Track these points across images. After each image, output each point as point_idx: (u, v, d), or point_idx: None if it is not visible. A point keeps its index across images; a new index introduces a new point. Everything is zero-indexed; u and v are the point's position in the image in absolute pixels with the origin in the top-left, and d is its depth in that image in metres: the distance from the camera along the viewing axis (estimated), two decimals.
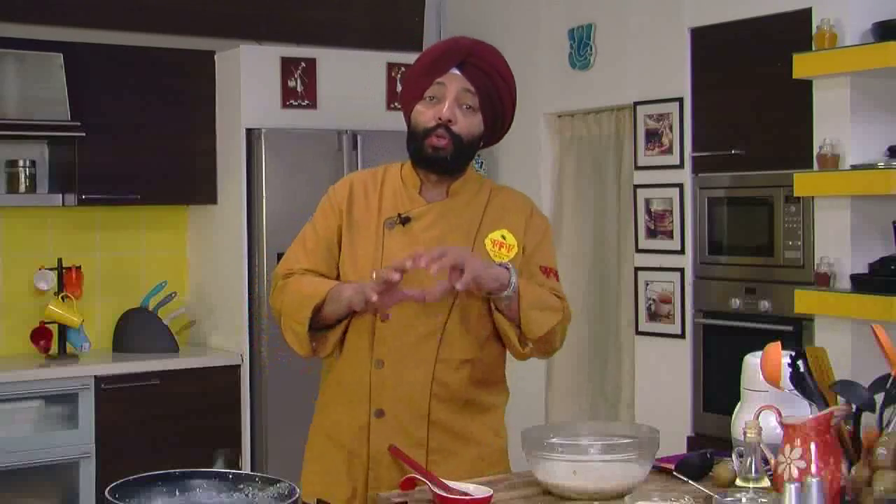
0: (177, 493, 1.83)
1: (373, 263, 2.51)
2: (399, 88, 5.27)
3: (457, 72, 2.52)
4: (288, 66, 5.01)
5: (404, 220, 2.54)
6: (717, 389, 4.36)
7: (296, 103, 5.02)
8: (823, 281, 3.84)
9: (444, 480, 2.22)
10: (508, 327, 2.51)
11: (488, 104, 2.55)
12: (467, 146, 2.54)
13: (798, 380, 2.22)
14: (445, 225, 2.55)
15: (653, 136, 4.63)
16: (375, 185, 2.62)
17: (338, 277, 2.57)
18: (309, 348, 2.52)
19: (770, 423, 2.19)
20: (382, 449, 2.49)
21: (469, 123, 2.53)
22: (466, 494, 2.17)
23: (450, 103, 2.51)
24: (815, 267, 3.88)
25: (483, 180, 2.68)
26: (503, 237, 2.58)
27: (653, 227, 4.64)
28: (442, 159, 2.52)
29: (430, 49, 2.64)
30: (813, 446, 2.04)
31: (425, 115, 2.53)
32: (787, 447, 2.06)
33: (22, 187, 4.87)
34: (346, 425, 2.54)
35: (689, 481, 2.23)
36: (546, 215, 2.83)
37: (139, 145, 4.97)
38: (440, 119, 2.50)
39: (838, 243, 3.85)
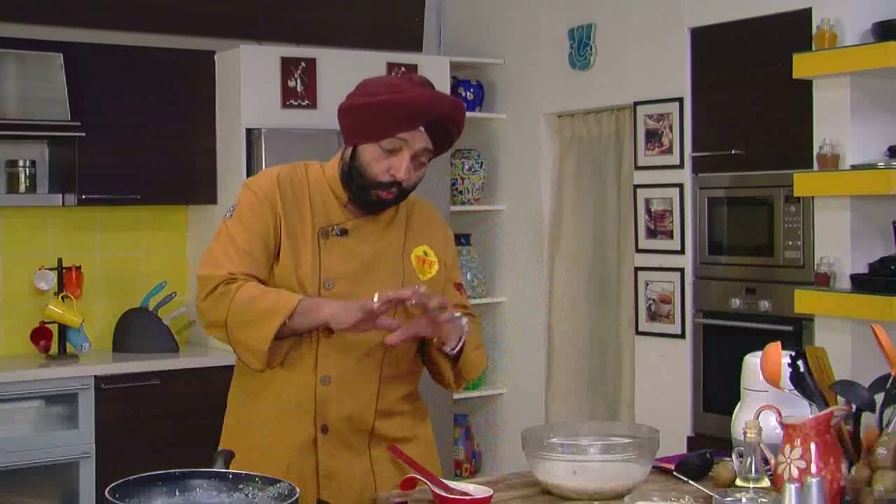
0: (177, 493, 1.83)
1: (312, 273, 2.45)
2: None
3: (421, 130, 2.42)
4: (288, 66, 5.00)
5: (342, 232, 2.49)
6: (717, 389, 4.36)
7: (296, 103, 5.02)
8: (823, 281, 3.84)
9: (444, 480, 2.22)
10: (446, 367, 2.52)
11: (437, 152, 2.51)
12: (408, 194, 2.52)
13: (798, 380, 2.22)
14: (378, 240, 2.53)
15: (653, 136, 4.63)
16: (302, 187, 2.53)
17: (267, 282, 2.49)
18: (264, 363, 2.44)
19: (770, 423, 2.19)
20: (330, 464, 2.46)
21: (417, 177, 2.48)
22: (466, 494, 2.17)
23: (407, 163, 2.42)
24: (815, 267, 3.89)
25: None
26: (425, 253, 2.58)
27: (653, 227, 4.64)
28: (384, 206, 2.50)
29: (401, 98, 2.40)
30: (813, 446, 2.04)
31: (378, 164, 2.42)
32: (787, 447, 2.06)
33: (22, 187, 4.87)
34: (289, 439, 2.47)
35: (689, 481, 2.23)
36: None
37: (139, 145, 4.97)
38: (394, 178, 2.43)
39: (838, 243, 3.85)
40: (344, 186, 2.51)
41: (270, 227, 2.48)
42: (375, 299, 2.31)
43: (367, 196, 2.46)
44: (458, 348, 2.46)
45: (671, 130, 4.55)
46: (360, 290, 2.44)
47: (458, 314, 2.44)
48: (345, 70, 5.13)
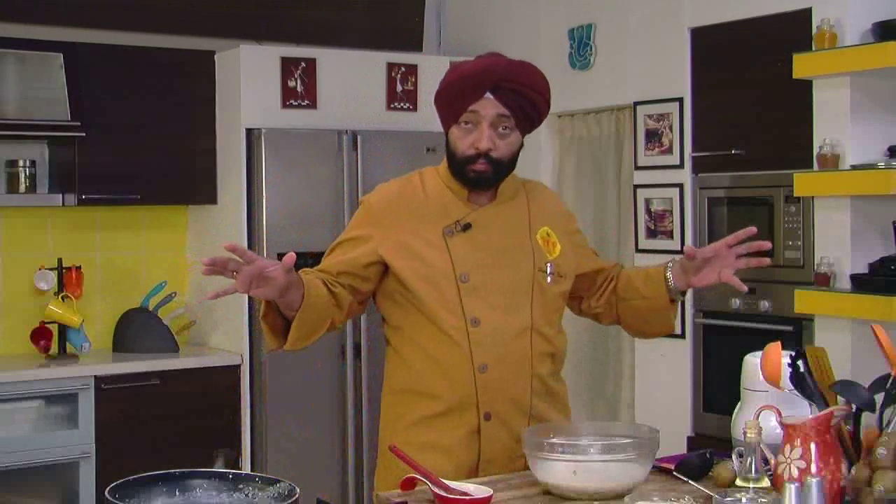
0: (177, 493, 1.83)
1: (446, 271, 2.52)
2: (401, 88, 5.28)
3: (490, 96, 2.51)
4: (288, 66, 5.00)
5: (465, 227, 2.56)
6: (717, 389, 4.36)
7: (296, 103, 5.02)
8: (823, 281, 3.84)
9: (444, 480, 2.22)
10: (673, 308, 2.67)
11: (524, 119, 2.57)
12: (508, 164, 2.59)
13: (798, 380, 2.22)
14: (501, 227, 2.60)
15: (653, 136, 4.63)
16: (416, 196, 2.62)
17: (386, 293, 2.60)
18: (277, 342, 2.47)
19: (770, 423, 2.19)
20: (493, 450, 2.51)
21: (508, 144, 2.55)
22: (466, 494, 2.17)
23: (487, 133, 2.51)
24: (815, 267, 3.88)
25: (515, 176, 2.70)
26: (548, 234, 2.65)
27: (653, 227, 4.64)
28: (485, 181, 2.57)
29: (461, 71, 2.56)
30: (813, 446, 2.04)
31: (463, 142, 2.54)
32: (787, 447, 2.06)
33: (22, 187, 4.87)
34: (453, 433, 2.52)
35: (689, 481, 2.23)
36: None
37: (139, 145, 4.97)
38: (478, 149, 2.52)
39: (838, 243, 3.85)
40: (454, 177, 2.59)
41: (368, 244, 2.56)
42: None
43: (465, 175, 2.55)
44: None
45: (671, 130, 4.55)
46: (496, 277, 2.54)
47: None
48: (345, 70, 5.13)
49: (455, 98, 2.53)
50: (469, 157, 2.53)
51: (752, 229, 2.53)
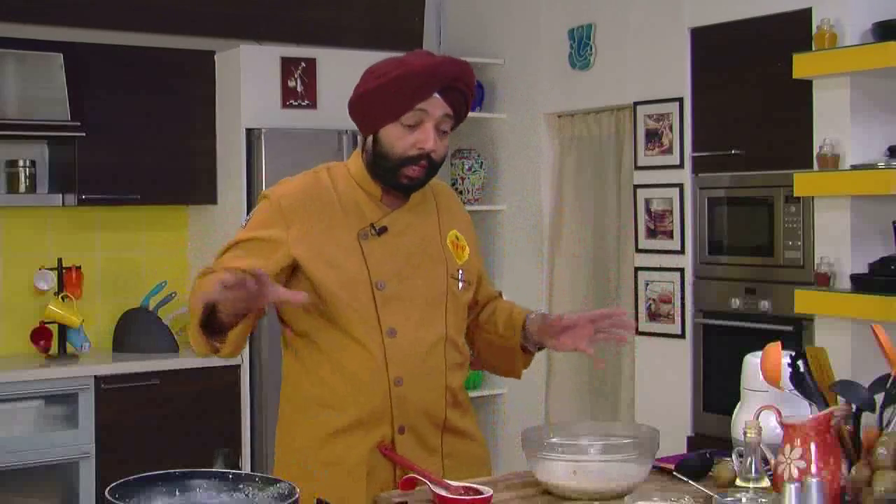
0: (177, 493, 1.82)
1: (361, 277, 2.41)
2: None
3: (437, 96, 2.39)
4: (288, 66, 5.01)
5: (381, 231, 2.45)
6: (717, 389, 4.36)
7: (296, 103, 5.02)
8: (823, 281, 3.84)
9: (444, 480, 2.22)
10: (520, 357, 2.62)
11: (459, 121, 2.49)
12: (439, 167, 2.49)
13: (798, 380, 2.22)
14: (417, 231, 2.50)
15: (653, 136, 4.63)
16: (328, 194, 2.46)
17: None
18: (206, 350, 2.38)
19: (770, 423, 2.19)
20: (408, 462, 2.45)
21: (444, 146, 2.45)
22: (466, 494, 2.17)
23: (432, 132, 2.39)
24: (815, 267, 3.88)
25: None
26: (457, 238, 2.58)
27: (653, 227, 4.64)
28: (415, 187, 2.46)
29: (408, 66, 2.41)
30: (813, 446, 2.03)
31: (403, 141, 2.39)
32: (787, 447, 2.06)
33: (22, 187, 4.87)
34: (361, 448, 2.43)
35: (689, 481, 2.23)
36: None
37: (139, 145, 4.97)
38: (422, 149, 2.39)
39: (838, 243, 3.85)
40: (373, 178, 2.47)
41: (281, 241, 2.42)
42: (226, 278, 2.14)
43: (396, 179, 2.42)
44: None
45: (671, 130, 4.55)
46: (412, 285, 2.45)
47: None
48: (345, 70, 5.12)
49: (400, 95, 2.38)
50: (409, 157, 2.39)
51: (623, 311, 2.53)
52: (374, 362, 2.41)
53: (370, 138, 2.45)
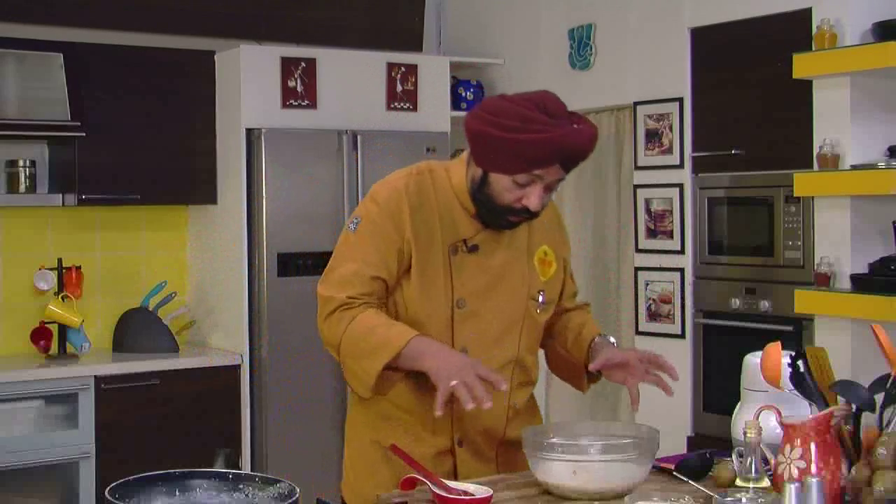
0: (177, 493, 1.82)
1: (444, 292, 2.43)
2: (401, 88, 5.26)
3: (557, 165, 2.34)
4: (288, 66, 5.00)
5: (472, 248, 2.46)
6: (717, 389, 4.36)
7: (296, 103, 5.02)
8: (823, 281, 3.84)
9: (444, 480, 2.22)
10: (584, 377, 2.64)
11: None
12: (538, 216, 2.48)
13: (798, 380, 2.22)
14: (505, 250, 2.50)
15: (653, 136, 4.63)
16: (429, 199, 2.45)
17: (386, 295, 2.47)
18: (370, 393, 2.40)
19: (770, 423, 2.19)
20: (464, 471, 2.48)
21: (548, 199, 2.45)
22: (466, 494, 2.17)
23: (540, 196, 2.36)
24: (815, 267, 3.89)
25: None
26: (545, 254, 2.58)
27: (653, 227, 4.64)
28: (514, 227, 2.48)
29: (537, 135, 2.29)
30: (813, 446, 2.03)
31: (510, 194, 2.37)
32: (787, 447, 2.06)
33: (22, 187, 4.87)
34: (428, 447, 2.47)
35: (689, 481, 2.23)
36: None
37: (139, 145, 4.97)
38: (525, 207, 2.38)
39: (838, 243, 3.85)
40: (472, 201, 2.45)
41: (395, 247, 2.42)
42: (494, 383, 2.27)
43: (499, 221, 2.43)
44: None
45: (671, 130, 4.55)
46: (490, 303, 2.46)
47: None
48: (345, 70, 5.13)
49: (522, 158, 2.31)
50: (513, 210, 2.39)
51: (671, 366, 2.57)
52: None
53: (479, 171, 2.41)
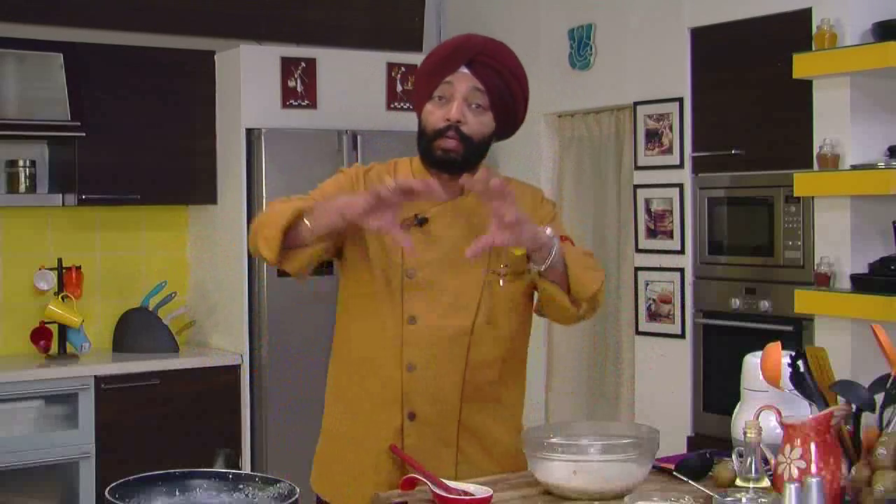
0: (177, 493, 1.82)
1: (394, 264, 2.48)
2: (401, 88, 5.28)
3: (466, 70, 2.46)
4: (288, 66, 5.01)
5: (421, 221, 2.50)
6: (717, 389, 4.36)
7: (296, 103, 5.02)
8: (823, 281, 3.84)
9: (444, 480, 2.22)
10: (558, 292, 2.45)
11: (499, 102, 2.50)
12: (478, 146, 2.50)
13: (798, 380, 2.22)
14: (464, 223, 2.52)
15: (653, 136, 4.63)
16: (386, 180, 2.50)
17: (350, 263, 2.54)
18: (277, 252, 2.39)
19: (770, 423, 2.19)
20: (416, 449, 2.47)
21: (479, 122, 2.49)
22: (466, 494, 2.17)
23: (458, 103, 2.46)
24: (815, 267, 3.88)
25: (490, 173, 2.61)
26: None
27: (653, 227, 4.64)
28: (452, 161, 2.48)
29: (440, 47, 2.57)
30: (813, 446, 2.03)
31: (434, 115, 2.48)
32: (787, 447, 2.06)
33: (22, 187, 4.87)
34: (378, 428, 2.50)
35: (689, 481, 2.23)
36: (554, 201, 2.79)
37: (139, 145, 4.97)
38: (449, 120, 2.46)
39: (838, 243, 3.85)
40: (427, 168, 2.53)
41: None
42: (390, 186, 2.27)
43: (433, 154, 2.49)
44: (546, 263, 2.38)
45: (671, 130, 4.55)
46: (444, 275, 2.48)
47: (525, 219, 2.33)
48: (345, 70, 5.13)
49: (431, 73, 2.50)
50: (438, 130, 2.46)
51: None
52: (389, 347, 2.47)
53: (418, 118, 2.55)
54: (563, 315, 2.52)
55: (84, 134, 4.77)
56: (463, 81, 2.47)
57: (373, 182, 2.52)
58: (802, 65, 3.84)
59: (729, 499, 2.00)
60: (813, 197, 3.95)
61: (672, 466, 2.35)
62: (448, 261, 2.49)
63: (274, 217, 2.40)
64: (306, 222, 2.37)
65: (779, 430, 2.13)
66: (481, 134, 2.50)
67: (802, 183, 3.85)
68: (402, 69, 5.25)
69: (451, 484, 2.21)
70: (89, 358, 4.86)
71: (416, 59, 5.33)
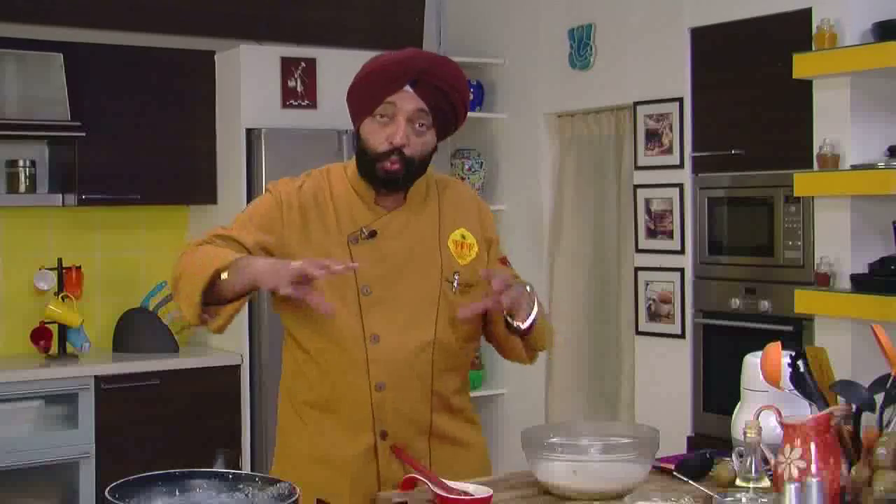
0: (177, 493, 1.82)
1: (347, 283, 2.40)
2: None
3: (409, 90, 2.38)
4: (288, 66, 5.01)
5: (370, 234, 2.44)
6: (717, 389, 4.36)
7: (296, 103, 5.02)
8: (823, 281, 3.84)
9: (444, 480, 2.22)
10: (517, 343, 2.46)
11: (442, 119, 2.44)
12: (420, 165, 2.44)
13: (798, 380, 2.22)
14: (411, 233, 2.47)
15: (653, 136, 4.63)
16: (325, 197, 2.47)
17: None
18: (197, 317, 2.31)
19: (770, 423, 2.18)
20: (390, 470, 2.43)
21: (422, 143, 2.42)
22: (466, 494, 2.17)
23: (402, 127, 2.37)
24: (815, 267, 3.89)
25: (427, 176, 2.54)
26: (463, 237, 2.52)
27: (653, 227, 4.64)
28: (394, 181, 2.43)
29: (380, 61, 2.44)
30: (813, 446, 2.03)
31: (376, 136, 2.39)
32: (787, 447, 2.06)
33: (22, 187, 4.87)
34: (348, 449, 2.43)
35: (689, 481, 2.23)
36: (490, 210, 2.70)
37: (139, 145, 4.97)
38: (392, 144, 2.37)
39: (838, 243, 3.85)
40: (366, 181, 2.45)
41: (276, 234, 2.43)
42: (299, 264, 2.21)
43: (375, 174, 2.41)
44: (528, 323, 2.37)
45: (671, 130, 4.55)
46: (398, 288, 2.42)
47: (516, 279, 2.36)
48: (345, 70, 5.09)
49: (372, 88, 2.40)
50: (381, 153, 2.38)
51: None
52: (355, 368, 2.40)
53: (357, 137, 2.46)
54: (516, 358, 2.55)
55: (84, 134, 4.77)
56: (407, 102, 2.38)
57: (310, 205, 2.45)
58: (802, 65, 3.84)
59: (729, 499, 2.00)
60: (813, 197, 3.95)
61: (672, 466, 2.35)
62: (400, 272, 2.44)
63: (193, 274, 2.30)
64: (225, 277, 2.26)
65: (779, 430, 2.13)
66: (423, 153, 2.44)
67: (802, 183, 3.85)
68: None
69: (451, 484, 2.21)
70: (89, 358, 4.86)
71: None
